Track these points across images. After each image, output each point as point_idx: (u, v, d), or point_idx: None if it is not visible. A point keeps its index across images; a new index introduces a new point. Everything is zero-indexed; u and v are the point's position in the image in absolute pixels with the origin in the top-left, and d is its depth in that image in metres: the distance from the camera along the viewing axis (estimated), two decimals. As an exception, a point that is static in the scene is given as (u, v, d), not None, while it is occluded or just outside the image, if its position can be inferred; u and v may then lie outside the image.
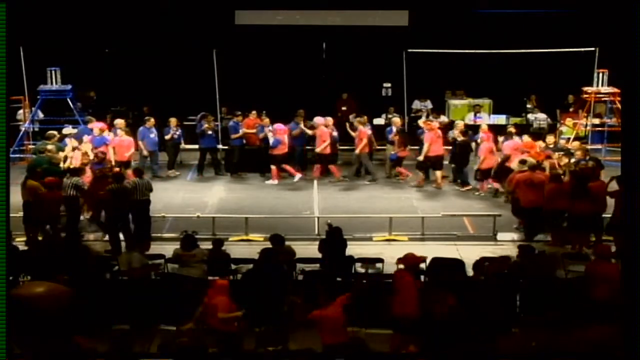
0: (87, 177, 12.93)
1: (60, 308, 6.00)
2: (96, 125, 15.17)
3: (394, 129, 16.16)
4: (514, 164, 13.36)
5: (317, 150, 15.93)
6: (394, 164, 16.13)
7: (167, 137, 16.47)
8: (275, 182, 15.81)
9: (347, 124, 16.81)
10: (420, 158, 15.42)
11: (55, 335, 5.67)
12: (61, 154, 13.83)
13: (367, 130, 16.01)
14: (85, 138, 14.63)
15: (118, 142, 15.06)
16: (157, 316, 9.40)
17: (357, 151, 16.01)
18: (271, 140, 15.76)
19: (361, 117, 16.55)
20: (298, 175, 15.82)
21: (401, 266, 9.12)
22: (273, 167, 15.85)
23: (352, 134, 16.28)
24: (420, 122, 16.65)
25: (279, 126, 15.94)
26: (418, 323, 8.38)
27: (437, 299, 8.56)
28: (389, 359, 6.39)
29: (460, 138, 15.38)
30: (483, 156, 14.70)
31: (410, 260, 9.09)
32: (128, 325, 9.09)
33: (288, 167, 15.89)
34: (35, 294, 5.73)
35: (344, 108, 19.51)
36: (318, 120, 16.14)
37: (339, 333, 7.91)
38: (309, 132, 16.32)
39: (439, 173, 15.44)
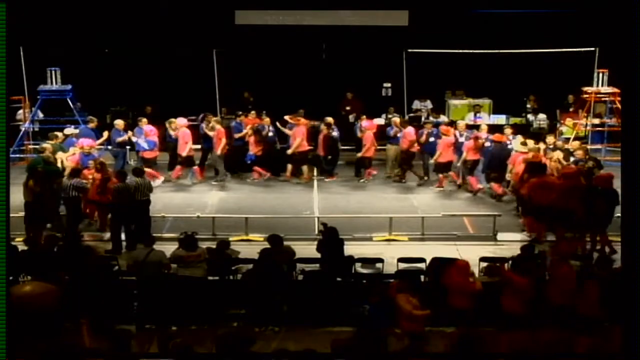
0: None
1: (47, 305, 6.18)
2: (86, 143, 14.34)
3: (246, 129, 16.24)
4: (515, 146, 14.12)
5: (183, 154, 15.71)
6: (251, 164, 16.19)
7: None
8: (159, 181, 15.61)
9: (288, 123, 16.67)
10: (290, 152, 15.80)
11: (48, 332, 5.82)
12: (61, 154, 13.83)
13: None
14: (72, 150, 14.30)
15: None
16: (159, 316, 9.43)
17: (218, 152, 15.87)
18: (144, 144, 15.48)
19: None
20: (159, 180, 15.66)
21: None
22: (148, 170, 15.51)
23: (287, 132, 16.37)
24: (287, 117, 16.49)
25: (149, 128, 15.78)
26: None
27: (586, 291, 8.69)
28: (392, 358, 6.39)
29: (331, 132, 16.13)
30: (367, 146, 15.79)
31: (566, 249, 9.12)
32: (129, 326, 9.08)
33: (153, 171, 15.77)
34: (23, 293, 5.93)
35: (348, 108, 19.52)
36: (180, 121, 15.99)
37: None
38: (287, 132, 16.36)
39: (305, 168, 15.98)
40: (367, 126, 16.22)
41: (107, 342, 6.76)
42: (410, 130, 15.94)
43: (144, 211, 12.08)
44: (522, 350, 7.10)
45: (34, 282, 7.60)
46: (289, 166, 16.05)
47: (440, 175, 15.41)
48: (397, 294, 8.49)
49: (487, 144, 14.90)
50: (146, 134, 15.67)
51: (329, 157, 16.21)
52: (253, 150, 16.08)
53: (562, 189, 11.67)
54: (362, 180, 15.96)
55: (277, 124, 16.67)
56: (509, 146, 14.58)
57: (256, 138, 16.08)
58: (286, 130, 16.31)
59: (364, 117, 17.00)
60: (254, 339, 6.70)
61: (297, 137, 15.77)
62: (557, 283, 8.81)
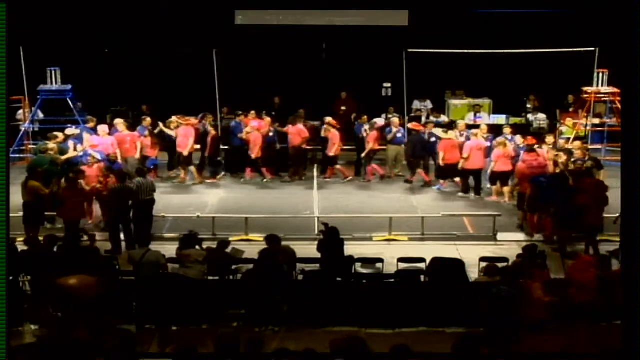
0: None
1: (91, 294, 6.53)
2: (110, 150, 14.45)
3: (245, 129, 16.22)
4: (438, 133, 15.59)
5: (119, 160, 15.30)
6: (155, 168, 16.09)
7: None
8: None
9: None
10: (185, 153, 15.77)
11: (92, 317, 6.19)
12: (66, 156, 13.82)
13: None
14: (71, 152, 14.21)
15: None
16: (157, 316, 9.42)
17: (136, 156, 15.64)
18: (97, 156, 14.04)
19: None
20: None
21: None
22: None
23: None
24: (174, 119, 16.27)
25: (98, 140, 14.92)
26: None
27: None
28: (389, 358, 6.39)
29: (213, 132, 16.35)
30: (255, 146, 15.96)
31: None
32: (129, 326, 9.09)
33: None
34: (70, 285, 6.35)
35: (343, 108, 19.51)
36: (101, 127, 15.44)
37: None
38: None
39: (192, 168, 15.99)
40: (256, 126, 16.21)
41: (111, 342, 6.77)
42: (301, 127, 16.14)
43: (147, 211, 12.10)
44: None
45: (79, 275, 7.85)
46: (190, 168, 16.00)
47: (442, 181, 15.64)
48: (531, 280, 8.74)
49: (399, 135, 16.19)
50: (92, 146, 14.47)
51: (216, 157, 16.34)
52: (151, 153, 15.73)
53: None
54: (242, 180, 16.15)
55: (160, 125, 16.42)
56: (431, 136, 15.86)
57: (154, 141, 15.92)
58: (171, 132, 16.04)
59: (365, 117, 16.99)
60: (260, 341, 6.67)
61: (190, 137, 15.73)
62: None
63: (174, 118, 16.26)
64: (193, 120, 16.20)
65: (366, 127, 16.49)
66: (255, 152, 15.96)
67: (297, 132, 16.14)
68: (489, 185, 14.95)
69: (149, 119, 16.38)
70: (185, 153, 15.80)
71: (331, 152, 16.17)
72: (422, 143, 15.79)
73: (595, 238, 11.64)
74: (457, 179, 15.44)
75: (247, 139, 16.06)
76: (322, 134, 16.37)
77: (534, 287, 8.70)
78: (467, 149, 14.73)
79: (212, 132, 16.26)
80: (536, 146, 13.97)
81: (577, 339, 7.80)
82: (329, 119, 16.55)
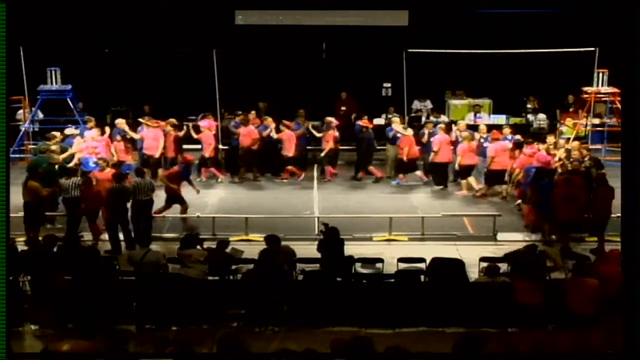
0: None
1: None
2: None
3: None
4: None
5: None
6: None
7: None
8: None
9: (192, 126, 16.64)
10: (156, 155, 15.67)
11: None
12: (63, 155, 13.81)
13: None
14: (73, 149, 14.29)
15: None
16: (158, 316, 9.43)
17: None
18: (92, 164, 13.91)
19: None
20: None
21: None
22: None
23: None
24: (143, 120, 16.28)
25: (94, 144, 14.67)
26: None
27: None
28: (391, 359, 6.38)
29: (173, 134, 16.05)
30: (208, 145, 16.01)
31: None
32: (129, 326, 9.09)
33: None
34: (62, 352, 6.45)
35: (343, 108, 19.51)
36: (92, 132, 15.20)
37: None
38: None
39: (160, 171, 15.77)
40: (206, 125, 16.22)
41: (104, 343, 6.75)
42: (251, 128, 16.09)
43: (146, 211, 12.10)
44: None
45: (71, 341, 7.84)
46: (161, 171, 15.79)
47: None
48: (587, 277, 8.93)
49: (399, 134, 16.04)
50: (91, 152, 14.25)
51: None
52: (125, 158, 15.23)
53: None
54: (220, 180, 16.03)
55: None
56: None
57: (126, 146, 15.61)
58: (135, 135, 15.94)
59: (366, 117, 17.00)
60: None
61: (159, 139, 15.72)
62: None
63: (141, 120, 16.22)
64: (162, 123, 16.10)
65: (309, 124, 16.49)
66: (208, 152, 15.96)
67: (247, 133, 16.02)
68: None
69: (93, 123, 16.17)
70: (157, 155, 15.71)
71: (287, 153, 16.04)
72: (372, 140, 16.26)
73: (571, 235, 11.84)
74: (418, 173, 15.87)
75: (199, 138, 16.07)
76: (276, 135, 16.22)
77: (592, 282, 8.84)
78: (436, 143, 15.11)
79: (172, 133, 16.04)
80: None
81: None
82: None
